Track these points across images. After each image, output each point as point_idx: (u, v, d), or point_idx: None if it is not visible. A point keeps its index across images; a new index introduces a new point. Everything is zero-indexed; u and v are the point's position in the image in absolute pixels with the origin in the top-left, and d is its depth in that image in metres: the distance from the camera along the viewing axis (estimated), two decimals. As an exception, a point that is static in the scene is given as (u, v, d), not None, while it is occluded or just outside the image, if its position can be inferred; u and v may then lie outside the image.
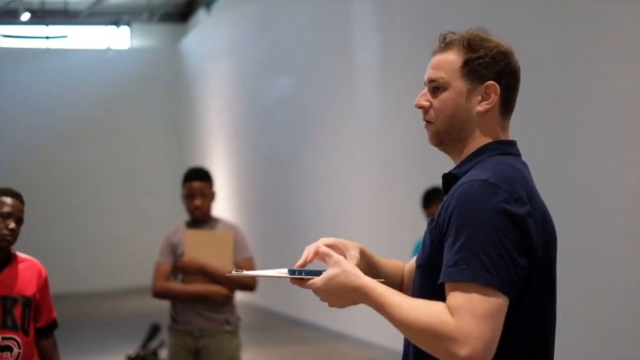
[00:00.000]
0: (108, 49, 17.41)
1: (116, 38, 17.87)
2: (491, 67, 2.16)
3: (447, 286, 1.97)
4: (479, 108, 2.16)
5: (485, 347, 1.90)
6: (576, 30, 6.28)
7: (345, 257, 2.24)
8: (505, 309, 1.94)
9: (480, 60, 2.16)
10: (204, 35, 16.84)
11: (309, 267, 2.15)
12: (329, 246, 2.29)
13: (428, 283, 2.09)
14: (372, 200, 9.58)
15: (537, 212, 2.04)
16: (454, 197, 2.04)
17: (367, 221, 9.53)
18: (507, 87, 2.18)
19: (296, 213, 11.99)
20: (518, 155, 2.21)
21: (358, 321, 9.48)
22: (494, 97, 2.16)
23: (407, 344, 2.19)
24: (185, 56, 17.97)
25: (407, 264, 2.53)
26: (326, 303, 2.11)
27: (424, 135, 2.29)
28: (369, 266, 2.31)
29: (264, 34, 13.32)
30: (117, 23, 17.47)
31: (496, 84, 2.16)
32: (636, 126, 5.69)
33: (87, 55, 17.56)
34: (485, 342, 1.89)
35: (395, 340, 9.09)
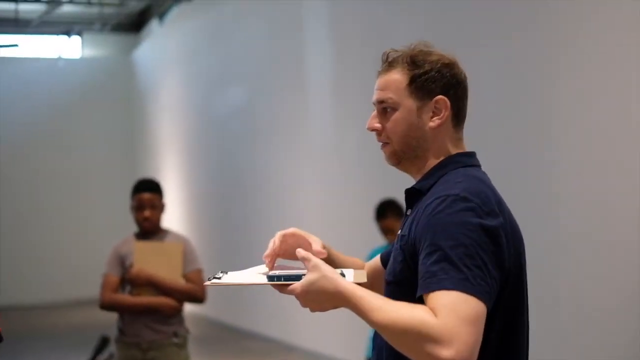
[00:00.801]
0: (59, 58, 17.23)
1: (67, 48, 17.70)
2: (438, 81, 2.16)
3: (427, 296, 1.94)
4: (431, 124, 2.17)
5: (469, 350, 1.85)
6: (523, 38, 6.32)
7: (310, 244, 2.30)
8: (485, 318, 1.91)
9: (426, 76, 2.16)
10: (157, 46, 16.75)
11: (286, 270, 2.12)
12: (290, 235, 2.34)
13: (399, 299, 2.06)
14: (325, 210, 9.57)
15: (507, 224, 2.04)
16: (427, 212, 2.03)
17: (320, 231, 9.49)
18: (456, 98, 2.18)
19: (249, 224, 11.95)
20: (479, 166, 2.22)
21: (310, 333, 9.45)
22: (445, 111, 2.16)
23: (380, 352, 2.17)
24: (138, 66, 17.86)
25: (367, 264, 2.52)
26: (307, 309, 2.08)
27: (377, 145, 2.28)
28: (328, 261, 2.30)
29: (217, 44, 13.28)
30: (68, 33, 17.31)
31: (445, 98, 2.16)
32: (588, 131, 5.74)
33: (38, 65, 17.36)
34: (469, 345, 1.85)
35: (347, 352, 9.08)
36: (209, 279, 2.15)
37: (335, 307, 2.03)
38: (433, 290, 1.92)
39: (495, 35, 6.66)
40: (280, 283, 2.08)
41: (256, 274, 2.18)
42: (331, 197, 9.47)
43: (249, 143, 11.98)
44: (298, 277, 2.06)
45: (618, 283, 5.48)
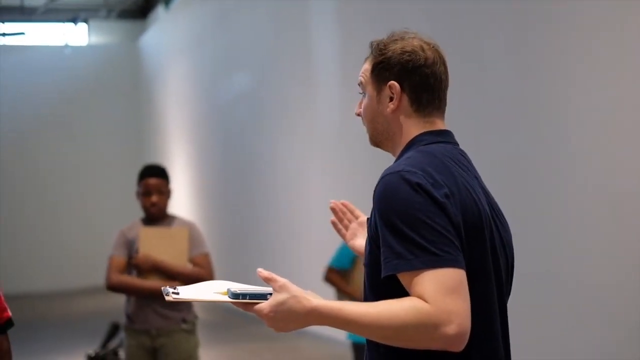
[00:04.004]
0: (66, 46, 17.24)
1: (74, 35, 17.70)
2: (392, 67, 2.21)
3: (402, 278, 1.99)
4: (387, 109, 2.23)
5: (466, 317, 1.94)
6: (533, 29, 6.28)
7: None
8: (465, 279, 1.97)
9: (383, 63, 2.23)
10: (163, 32, 16.73)
11: (250, 287, 2.08)
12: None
13: (372, 281, 2.12)
14: (332, 195, 9.54)
15: (456, 195, 2.06)
16: (376, 193, 2.08)
17: (326, 216, 9.53)
18: (412, 84, 2.21)
19: (256, 209, 11.95)
20: (449, 142, 2.24)
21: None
22: (396, 96, 2.21)
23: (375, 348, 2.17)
24: (144, 53, 17.85)
25: None
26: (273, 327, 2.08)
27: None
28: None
29: (223, 30, 13.26)
30: (74, 20, 17.31)
31: (395, 83, 2.21)
32: (594, 125, 5.71)
33: (45, 52, 17.38)
34: (465, 314, 1.94)
35: (357, 337, 9.08)
36: (167, 295, 2.09)
37: (302, 327, 2.06)
38: (401, 271, 1.98)
39: (504, 25, 6.61)
40: (246, 301, 2.06)
41: (210, 290, 2.13)
42: (337, 183, 9.47)
43: (255, 129, 11.97)
44: (263, 296, 2.05)
45: (623, 276, 5.45)
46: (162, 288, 2.11)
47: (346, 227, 2.68)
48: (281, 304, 2.01)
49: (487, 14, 6.76)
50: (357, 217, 2.68)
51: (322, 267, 6.13)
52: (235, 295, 2.05)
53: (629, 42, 5.43)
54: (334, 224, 2.69)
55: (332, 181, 9.61)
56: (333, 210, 2.68)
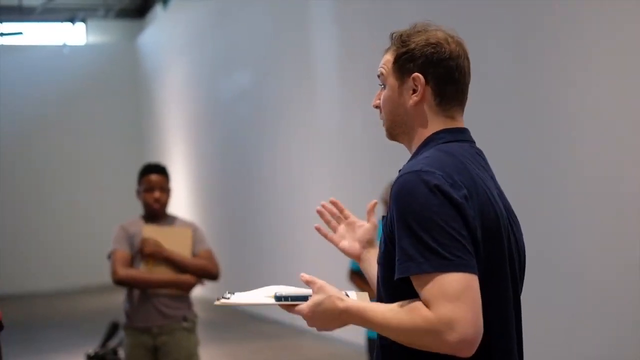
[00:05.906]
0: (64, 45, 17.22)
1: (72, 35, 17.69)
2: (417, 59, 2.18)
3: (413, 280, 2.00)
4: (410, 101, 2.20)
5: (471, 324, 1.92)
6: (536, 30, 6.28)
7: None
8: (476, 284, 1.96)
9: (407, 55, 2.19)
10: (161, 31, 16.72)
11: (295, 292, 2.18)
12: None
13: (387, 280, 2.12)
14: (332, 192, 9.55)
15: (474, 197, 2.05)
16: (393, 192, 2.06)
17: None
18: (437, 77, 2.19)
19: (256, 208, 11.95)
20: (467, 141, 2.23)
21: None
22: (421, 88, 2.18)
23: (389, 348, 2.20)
24: (143, 52, 17.84)
25: None
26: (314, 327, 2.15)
27: (382, 128, 2.31)
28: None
29: (222, 28, 13.25)
30: (72, 20, 17.29)
31: (420, 75, 2.18)
32: (597, 122, 5.71)
33: (43, 52, 17.36)
34: (469, 320, 1.92)
35: (357, 335, 9.10)
36: (218, 299, 2.22)
37: (342, 326, 2.11)
38: (412, 274, 1.98)
39: (506, 26, 6.60)
40: (288, 303, 2.16)
41: (262, 295, 2.23)
42: (337, 181, 9.47)
43: (255, 128, 11.97)
44: (305, 298, 2.15)
45: (625, 276, 5.44)
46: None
47: (334, 229, 2.61)
48: (318, 304, 2.09)
49: (488, 15, 6.75)
50: (346, 218, 2.62)
51: (321, 265, 6.13)
52: (277, 298, 2.17)
53: (632, 44, 5.42)
54: (318, 230, 2.63)
55: (332, 179, 9.61)
56: (320, 213, 2.62)
